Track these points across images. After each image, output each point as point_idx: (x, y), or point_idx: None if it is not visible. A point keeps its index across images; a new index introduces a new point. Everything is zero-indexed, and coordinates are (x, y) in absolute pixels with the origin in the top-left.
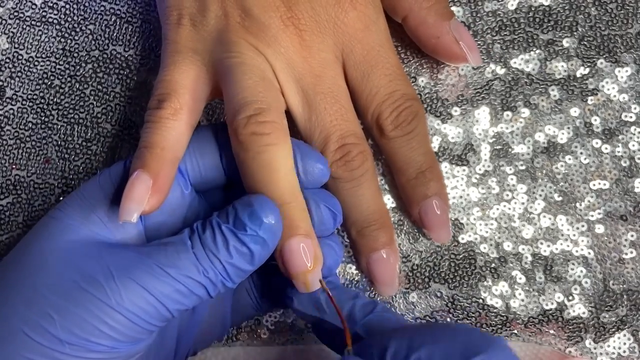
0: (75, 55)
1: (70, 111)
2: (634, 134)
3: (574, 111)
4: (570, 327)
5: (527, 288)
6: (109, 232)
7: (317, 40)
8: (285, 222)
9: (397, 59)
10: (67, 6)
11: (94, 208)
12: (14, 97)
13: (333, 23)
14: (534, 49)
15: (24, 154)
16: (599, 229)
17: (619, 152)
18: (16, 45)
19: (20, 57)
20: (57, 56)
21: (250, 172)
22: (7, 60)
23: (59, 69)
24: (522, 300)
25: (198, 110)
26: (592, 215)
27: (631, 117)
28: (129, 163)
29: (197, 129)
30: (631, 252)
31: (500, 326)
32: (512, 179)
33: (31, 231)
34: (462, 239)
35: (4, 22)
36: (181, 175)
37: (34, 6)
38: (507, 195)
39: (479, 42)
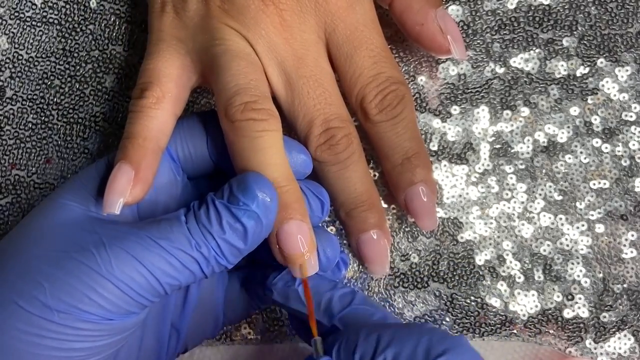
0: (75, 55)
1: (70, 111)
2: (634, 134)
3: (574, 110)
4: (570, 327)
5: (526, 287)
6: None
7: (298, 20)
8: (282, 205)
9: (383, 40)
10: (67, 6)
11: (91, 191)
12: (14, 97)
13: (314, 1)
14: (534, 48)
15: (24, 154)
16: (599, 228)
17: (619, 151)
18: (16, 46)
19: (20, 57)
20: (57, 56)
21: (246, 157)
22: (7, 61)
23: (59, 69)
24: (521, 300)
25: (182, 98)
26: (592, 215)
27: (631, 116)
28: None
29: (186, 116)
30: (631, 252)
31: (499, 326)
32: (511, 178)
33: (30, 212)
34: (462, 238)
35: (4, 22)
36: (172, 161)
37: (34, 6)
38: (507, 194)
39: (478, 41)
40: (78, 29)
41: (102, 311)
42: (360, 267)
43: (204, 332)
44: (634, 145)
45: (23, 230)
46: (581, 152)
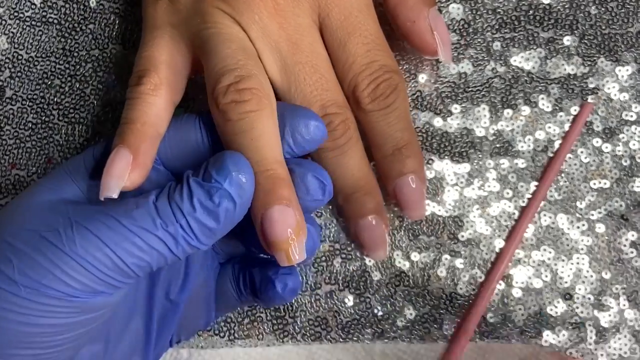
0: (75, 54)
1: (71, 111)
2: (635, 133)
3: (574, 110)
4: (569, 327)
5: (525, 287)
6: (85, 200)
7: (292, 4)
8: (266, 189)
9: (377, 26)
10: (67, 6)
11: (75, 179)
12: (14, 97)
13: None
14: (535, 47)
15: (24, 154)
16: (600, 228)
17: (619, 151)
18: (16, 46)
19: (20, 57)
20: (57, 56)
21: (231, 140)
22: (7, 61)
23: (59, 68)
24: (521, 300)
25: (180, 85)
26: (593, 215)
27: (632, 116)
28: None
29: (174, 118)
30: (631, 252)
31: (499, 326)
32: (512, 177)
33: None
34: (462, 236)
35: (3, 22)
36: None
37: (33, 6)
38: (508, 193)
39: (479, 40)
40: (78, 29)
41: (68, 288)
42: (358, 252)
43: (197, 323)
44: (634, 145)
45: (3, 212)
46: (582, 152)
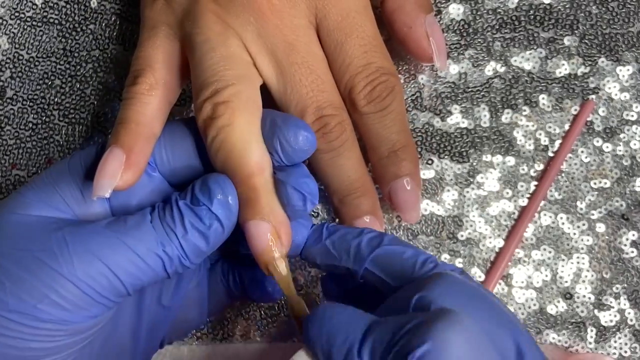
0: (76, 55)
1: (72, 111)
2: (635, 133)
3: (575, 110)
4: (570, 326)
5: (525, 287)
6: (71, 212)
7: (288, 4)
8: (247, 202)
9: (375, 28)
10: (68, 6)
11: (59, 188)
12: (15, 97)
13: None
14: (535, 47)
15: (24, 154)
16: (600, 227)
17: (620, 150)
18: (17, 46)
19: (20, 57)
20: (58, 56)
21: (211, 157)
22: (8, 61)
23: (59, 69)
24: (521, 299)
25: (176, 85)
26: (593, 214)
27: (632, 115)
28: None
29: (170, 121)
30: (632, 252)
31: None
32: (512, 177)
33: None
34: (462, 236)
35: (4, 22)
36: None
37: (34, 6)
38: (507, 192)
39: (479, 40)
40: (78, 29)
41: (62, 312)
42: None
43: (189, 325)
44: (635, 144)
45: None
46: (582, 152)
